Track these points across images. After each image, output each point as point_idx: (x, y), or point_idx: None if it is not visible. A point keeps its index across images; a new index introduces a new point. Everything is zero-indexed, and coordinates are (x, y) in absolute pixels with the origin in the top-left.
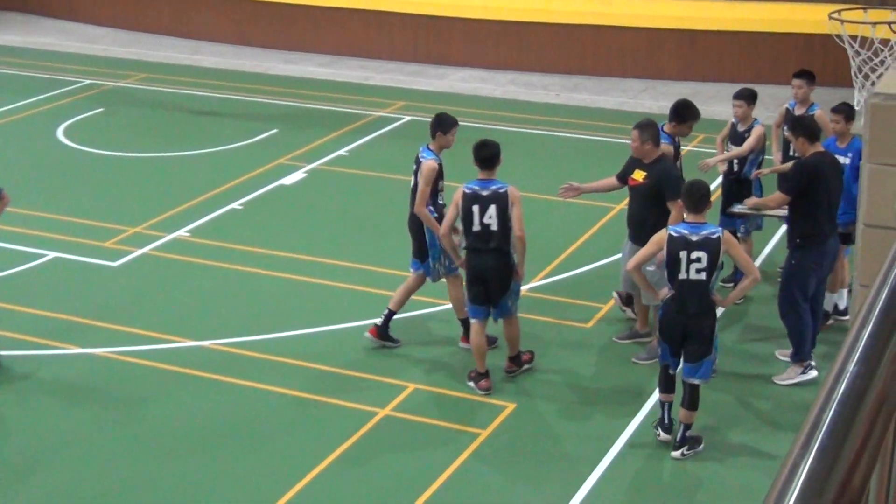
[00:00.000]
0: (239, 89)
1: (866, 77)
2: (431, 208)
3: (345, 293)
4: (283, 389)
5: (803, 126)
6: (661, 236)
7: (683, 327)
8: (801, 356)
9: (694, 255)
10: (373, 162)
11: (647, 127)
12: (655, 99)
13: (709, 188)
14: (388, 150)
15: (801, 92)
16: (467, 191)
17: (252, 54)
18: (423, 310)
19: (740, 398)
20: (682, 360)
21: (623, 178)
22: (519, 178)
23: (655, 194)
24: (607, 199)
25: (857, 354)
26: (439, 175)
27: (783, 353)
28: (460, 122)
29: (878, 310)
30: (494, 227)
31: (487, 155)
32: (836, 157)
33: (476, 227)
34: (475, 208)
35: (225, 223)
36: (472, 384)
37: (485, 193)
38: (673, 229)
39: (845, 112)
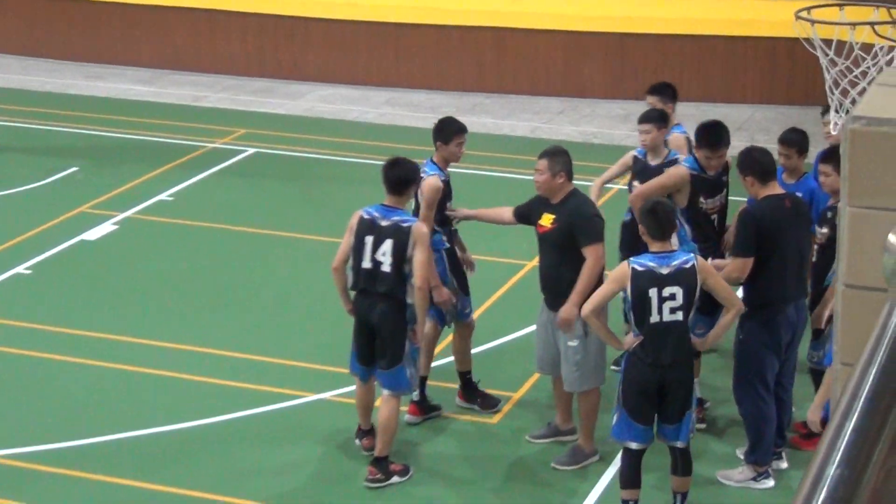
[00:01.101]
0: (27, 114)
1: (845, 93)
2: (441, 237)
3: (170, 384)
4: None
5: (751, 162)
6: (622, 272)
7: (660, 383)
8: (756, 457)
9: (667, 291)
10: (206, 208)
11: (560, 155)
12: (576, 123)
13: (674, 211)
14: (227, 192)
15: (654, 104)
16: (365, 216)
17: (45, 68)
18: (285, 402)
19: None
20: (655, 424)
21: (524, 216)
22: None
23: (570, 243)
24: (516, 255)
25: (840, 453)
26: (446, 195)
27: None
28: (318, 155)
29: (864, 395)
30: (386, 268)
31: (396, 177)
32: (796, 195)
33: (366, 264)
34: (369, 240)
35: (7, 293)
36: (357, 441)
37: (384, 223)
38: (637, 262)
39: (798, 144)
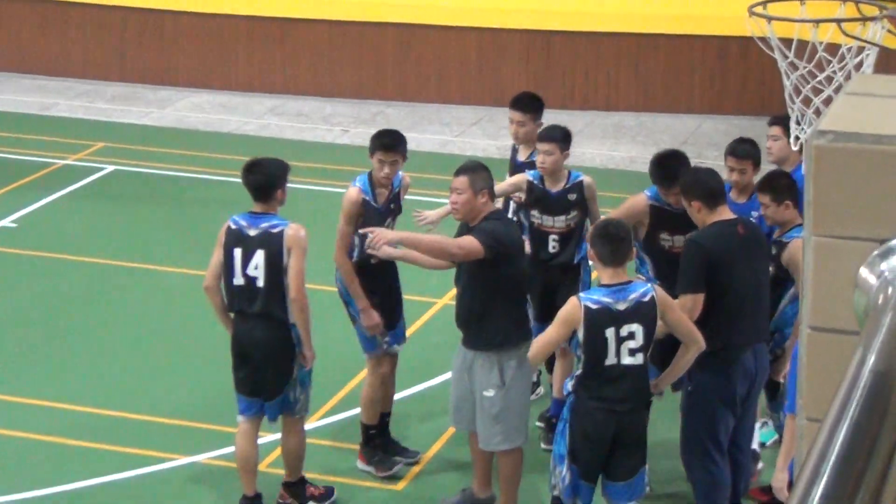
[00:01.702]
0: None
1: (807, 102)
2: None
3: (9, 445)
4: None
5: (697, 183)
6: (572, 312)
7: (615, 433)
8: None
9: (625, 330)
10: (57, 236)
11: (481, 170)
12: (494, 136)
13: (629, 230)
14: (81, 217)
15: (522, 131)
16: (232, 226)
17: None
18: (149, 466)
19: None
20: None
21: None
22: None
23: (487, 271)
24: (425, 290)
25: None
26: (367, 209)
27: None
28: (190, 174)
29: (833, 457)
30: (261, 284)
31: (256, 183)
32: (751, 220)
33: (237, 280)
34: (237, 253)
35: None
36: None
37: (252, 233)
38: (588, 299)
39: (753, 156)
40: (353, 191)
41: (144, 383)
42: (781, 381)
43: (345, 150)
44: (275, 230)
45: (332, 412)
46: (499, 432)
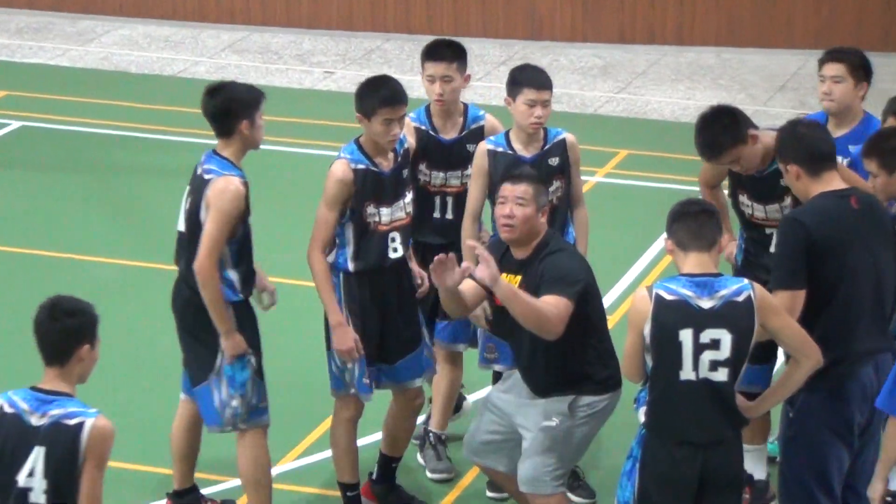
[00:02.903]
0: None
1: None
2: (345, 258)
3: None
4: None
5: (794, 142)
6: (636, 305)
7: (701, 473)
8: None
9: (707, 336)
10: None
11: (539, 181)
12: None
13: (714, 207)
14: None
15: (449, 89)
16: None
17: None
18: None
19: None
20: None
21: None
22: (266, 243)
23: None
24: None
25: None
26: (370, 182)
27: None
28: (120, 131)
29: None
30: (185, 236)
31: (215, 108)
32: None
33: (179, 226)
34: (186, 192)
35: None
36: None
37: (198, 172)
38: (664, 287)
39: None
40: (340, 165)
41: None
42: None
43: (328, 98)
44: (207, 176)
45: (309, 451)
46: (552, 470)
